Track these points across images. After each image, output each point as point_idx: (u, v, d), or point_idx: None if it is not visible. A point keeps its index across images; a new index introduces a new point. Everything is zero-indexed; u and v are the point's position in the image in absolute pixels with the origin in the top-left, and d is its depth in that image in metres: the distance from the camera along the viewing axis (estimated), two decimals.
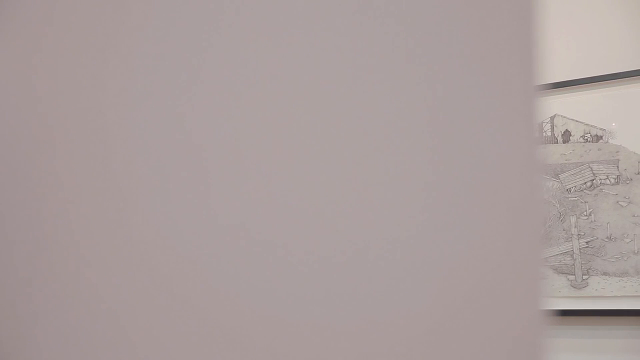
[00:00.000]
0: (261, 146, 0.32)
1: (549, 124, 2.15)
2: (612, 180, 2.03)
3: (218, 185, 0.33)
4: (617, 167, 2.03)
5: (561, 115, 2.14)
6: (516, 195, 0.32)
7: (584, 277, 2.02)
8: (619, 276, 1.97)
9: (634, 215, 1.98)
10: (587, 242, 2.03)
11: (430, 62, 0.32)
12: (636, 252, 1.96)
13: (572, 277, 2.04)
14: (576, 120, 2.11)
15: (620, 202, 2.01)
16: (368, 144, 0.32)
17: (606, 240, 2.01)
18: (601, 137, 2.07)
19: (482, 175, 0.32)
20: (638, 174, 2.00)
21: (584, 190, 2.07)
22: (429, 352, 0.31)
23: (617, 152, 2.04)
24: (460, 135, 0.32)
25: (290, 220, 0.32)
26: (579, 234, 2.05)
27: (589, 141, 2.09)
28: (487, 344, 0.31)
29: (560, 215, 2.08)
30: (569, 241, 2.06)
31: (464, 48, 0.32)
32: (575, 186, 2.08)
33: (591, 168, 2.07)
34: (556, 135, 2.13)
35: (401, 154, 0.32)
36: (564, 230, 2.07)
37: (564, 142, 2.12)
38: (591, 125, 2.09)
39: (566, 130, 2.12)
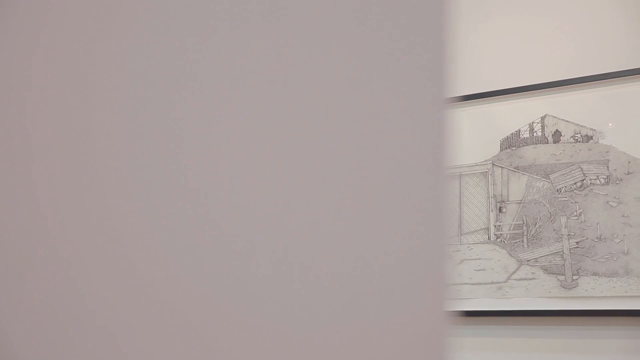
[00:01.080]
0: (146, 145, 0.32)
1: (540, 124, 2.15)
2: (602, 181, 2.03)
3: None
4: (607, 167, 2.03)
5: (552, 116, 2.14)
6: (423, 199, 0.32)
7: (574, 277, 2.02)
8: (609, 276, 1.98)
9: (623, 216, 1.98)
10: (577, 243, 2.03)
11: (337, 67, 0.33)
12: (626, 252, 1.96)
13: (562, 278, 2.04)
14: (566, 121, 2.11)
15: (610, 203, 2.01)
16: (275, 148, 0.32)
17: (596, 240, 2.01)
18: (591, 137, 2.07)
19: (389, 180, 0.32)
20: (628, 174, 2.00)
21: (574, 191, 2.07)
22: (333, 351, 0.31)
23: (607, 152, 2.04)
24: (366, 139, 0.33)
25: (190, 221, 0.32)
26: (569, 234, 2.05)
27: (579, 141, 2.09)
28: (391, 345, 0.31)
29: (551, 216, 2.08)
30: (559, 241, 2.06)
31: (373, 57, 0.33)
32: (565, 186, 2.08)
33: (581, 168, 2.07)
34: (547, 135, 2.13)
35: (307, 156, 0.32)
36: (554, 230, 2.07)
37: (555, 142, 2.12)
38: (581, 126, 2.09)
39: (556, 130, 2.12)
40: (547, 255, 2.07)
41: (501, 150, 2.19)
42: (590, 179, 2.05)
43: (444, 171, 0.32)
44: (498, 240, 2.16)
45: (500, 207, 2.17)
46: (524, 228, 2.12)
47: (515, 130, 2.18)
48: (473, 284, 2.16)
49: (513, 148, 2.18)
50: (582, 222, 2.04)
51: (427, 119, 0.32)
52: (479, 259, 2.17)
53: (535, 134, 2.15)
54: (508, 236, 2.14)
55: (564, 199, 2.07)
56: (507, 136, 2.19)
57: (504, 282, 2.12)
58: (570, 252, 2.04)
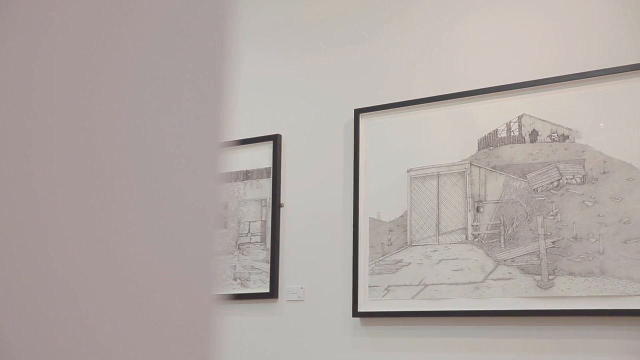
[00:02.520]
0: None
1: (517, 124, 2.14)
2: (578, 180, 2.02)
3: None
4: (583, 166, 2.03)
5: (529, 115, 2.13)
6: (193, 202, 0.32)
7: (550, 277, 2.01)
8: (585, 276, 1.97)
9: (599, 215, 1.98)
10: (553, 242, 2.03)
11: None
12: (601, 252, 1.96)
13: (538, 277, 2.03)
14: (543, 120, 2.11)
15: (586, 202, 2.01)
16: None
17: (572, 240, 2.00)
18: (567, 136, 2.06)
19: (164, 187, 0.33)
20: (603, 173, 1.99)
21: (551, 190, 2.06)
22: (102, 340, 0.31)
23: (583, 151, 2.03)
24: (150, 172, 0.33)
25: None
26: (545, 234, 2.04)
27: (556, 141, 2.08)
28: (159, 333, 0.32)
29: (527, 215, 2.08)
30: (535, 241, 2.05)
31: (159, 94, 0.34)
32: (542, 186, 2.08)
33: (557, 168, 2.06)
34: (524, 134, 2.13)
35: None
36: (530, 230, 2.07)
37: (532, 141, 2.11)
38: (558, 125, 2.08)
39: (533, 129, 2.12)
40: (524, 255, 2.07)
41: (479, 149, 2.19)
42: (566, 179, 2.04)
43: (215, 178, 0.33)
44: (475, 240, 2.15)
45: (477, 207, 2.17)
46: (501, 228, 2.12)
47: (493, 129, 2.18)
48: (450, 284, 2.16)
49: (490, 148, 2.17)
50: (558, 221, 2.03)
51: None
52: (457, 259, 2.17)
53: (512, 134, 2.15)
54: (485, 236, 2.14)
55: (541, 198, 2.07)
56: (485, 136, 2.19)
57: (481, 282, 2.12)
58: (546, 252, 2.03)
